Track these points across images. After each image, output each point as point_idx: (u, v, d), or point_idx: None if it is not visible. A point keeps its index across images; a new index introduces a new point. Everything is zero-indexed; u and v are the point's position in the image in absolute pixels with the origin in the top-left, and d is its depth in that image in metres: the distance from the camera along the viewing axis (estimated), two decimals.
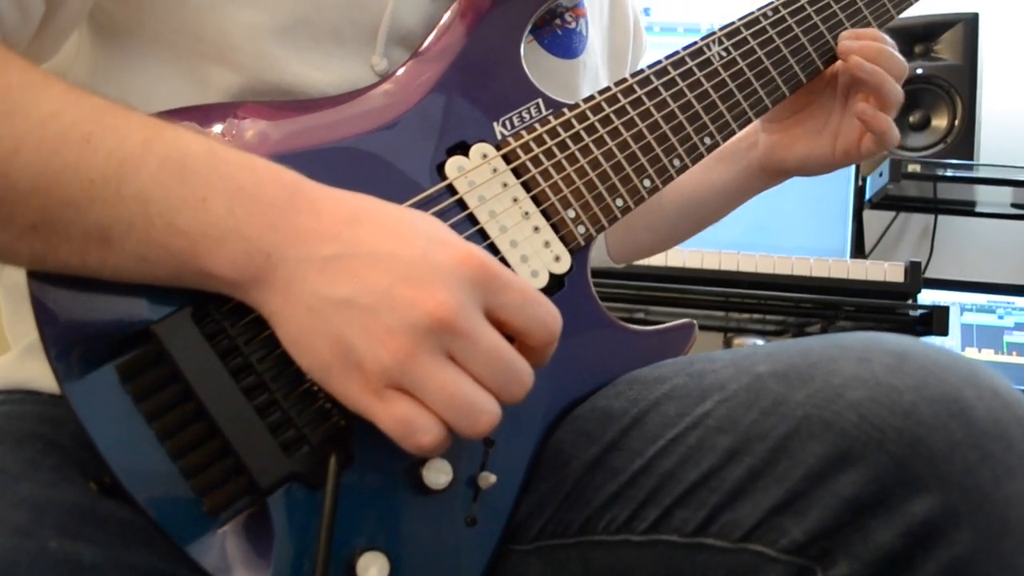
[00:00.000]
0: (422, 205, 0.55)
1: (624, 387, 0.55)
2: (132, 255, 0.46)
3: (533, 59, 0.65)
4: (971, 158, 1.62)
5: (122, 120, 0.46)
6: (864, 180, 1.68)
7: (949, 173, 1.58)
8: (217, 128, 0.53)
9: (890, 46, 0.72)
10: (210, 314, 0.49)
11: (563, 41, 0.70)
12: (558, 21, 0.70)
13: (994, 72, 1.75)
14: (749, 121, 0.68)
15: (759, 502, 0.44)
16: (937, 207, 1.76)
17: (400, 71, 0.60)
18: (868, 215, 1.74)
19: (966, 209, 1.77)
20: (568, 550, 0.52)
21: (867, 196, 1.68)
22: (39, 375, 0.57)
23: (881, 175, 1.58)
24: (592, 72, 0.73)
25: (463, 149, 0.58)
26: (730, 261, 1.32)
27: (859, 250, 1.69)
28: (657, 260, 1.32)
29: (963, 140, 1.62)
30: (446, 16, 0.62)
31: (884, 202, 1.70)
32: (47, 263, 0.47)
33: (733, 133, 0.67)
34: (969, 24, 1.66)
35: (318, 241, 0.45)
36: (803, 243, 1.61)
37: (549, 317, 0.47)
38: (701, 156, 0.65)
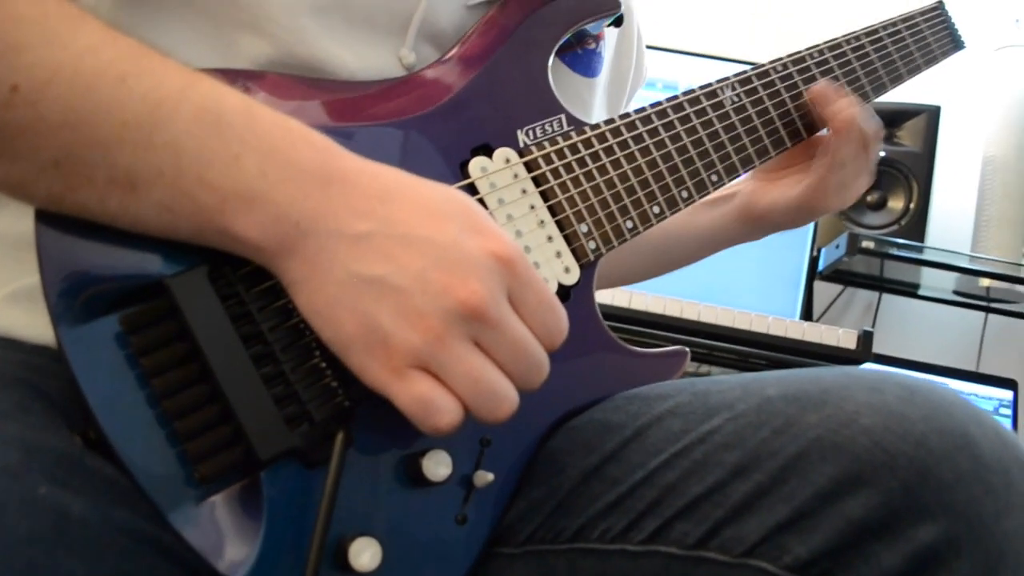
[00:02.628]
0: None
1: (623, 402, 0.56)
2: (156, 204, 0.45)
3: (555, 74, 0.66)
4: (922, 240, 1.69)
5: (159, 64, 0.46)
6: (819, 251, 1.74)
7: (899, 253, 1.65)
8: (249, 91, 0.53)
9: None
10: (225, 276, 0.48)
11: (584, 60, 0.71)
12: (580, 43, 0.72)
13: (948, 163, 1.84)
14: (752, 164, 0.70)
15: (764, 519, 0.45)
16: (883, 285, 1.83)
17: (431, 67, 0.60)
18: (818, 285, 1.80)
19: (910, 290, 1.84)
20: (557, 556, 0.51)
21: (820, 267, 1.74)
22: (22, 324, 0.54)
23: (837, 247, 1.64)
24: (603, 92, 0.75)
25: (487, 151, 0.58)
26: (691, 311, 1.35)
27: (807, 317, 1.74)
28: (621, 302, 1.33)
29: (916, 223, 1.69)
30: (480, 23, 0.63)
31: (834, 275, 1.76)
32: (64, 204, 0.45)
33: (737, 174, 0.69)
34: (931, 115, 1.75)
35: (350, 216, 0.45)
36: (755, 304, 1.65)
37: (556, 327, 0.48)
38: (707, 192, 0.67)
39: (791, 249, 1.73)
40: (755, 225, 0.82)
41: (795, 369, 0.52)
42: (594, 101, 0.72)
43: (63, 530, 0.40)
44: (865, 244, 1.60)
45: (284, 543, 0.47)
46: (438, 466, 0.50)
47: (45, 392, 0.48)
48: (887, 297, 1.87)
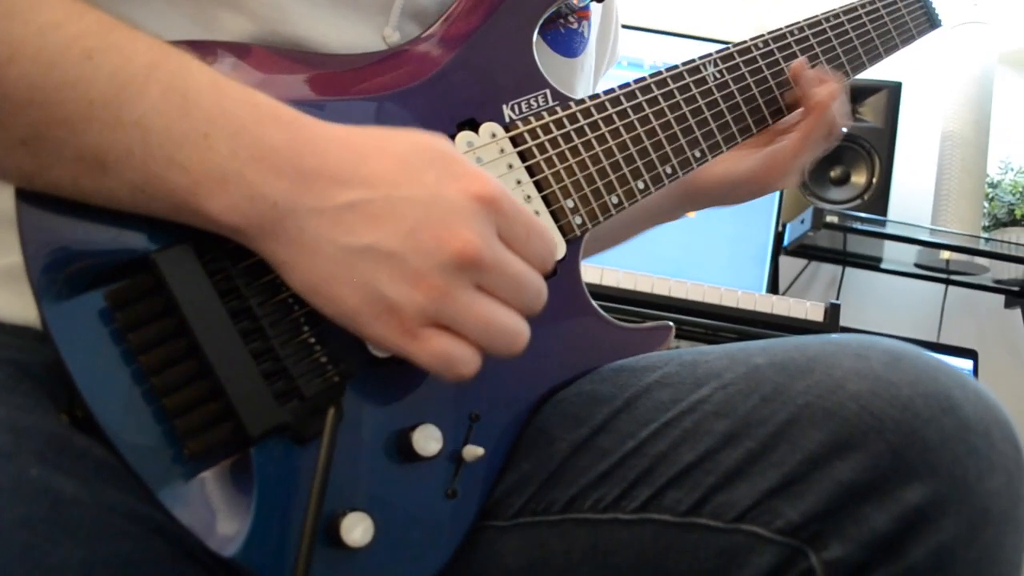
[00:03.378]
0: None
1: (610, 374, 0.56)
2: (128, 184, 0.44)
3: (536, 54, 0.66)
4: (884, 215, 1.72)
5: (127, 39, 0.44)
6: (784, 227, 1.76)
7: (862, 227, 1.68)
8: (223, 65, 0.52)
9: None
10: (212, 251, 0.47)
11: (565, 39, 0.71)
12: (562, 20, 0.72)
13: (909, 138, 1.87)
14: (735, 142, 0.71)
15: (756, 484, 0.46)
16: (846, 259, 1.86)
17: (416, 42, 0.60)
18: (783, 260, 1.83)
19: (872, 264, 1.88)
20: (550, 527, 0.52)
21: (785, 242, 1.76)
22: (1, 304, 0.53)
23: (803, 222, 1.66)
24: (587, 74, 0.75)
25: (472, 126, 0.58)
26: (662, 286, 1.36)
27: (773, 291, 1.76)
28: (592, 278, 1.34)
29: (878, 198, 1.72)
30: (462, 1, 0.63)
31: (799, 249, 1.79)
32: (35, 182, 0.44)
33: (720, 151, 0.69)
34: (893, 91, 1.77)
35: (327, 188, 0.44)
36: (723, 279, 1.67)
37: (548, 251, 0.48)
38: (691, 168, 0.67)
39: (757, 225, 1.75)
40: (691, 199, 0.81)
41: (780, 338, 0.53)
42: (575, 82, 0.72)
43: (57, 512, 0.40)
44: (829, 219, 1.63)
45: (275, 519, 0.46)
46: (428, 441, 0.50)
47: (30, 371, 0.47)
48: (850, 270, 1.90)
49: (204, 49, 0.52)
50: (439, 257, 0.43)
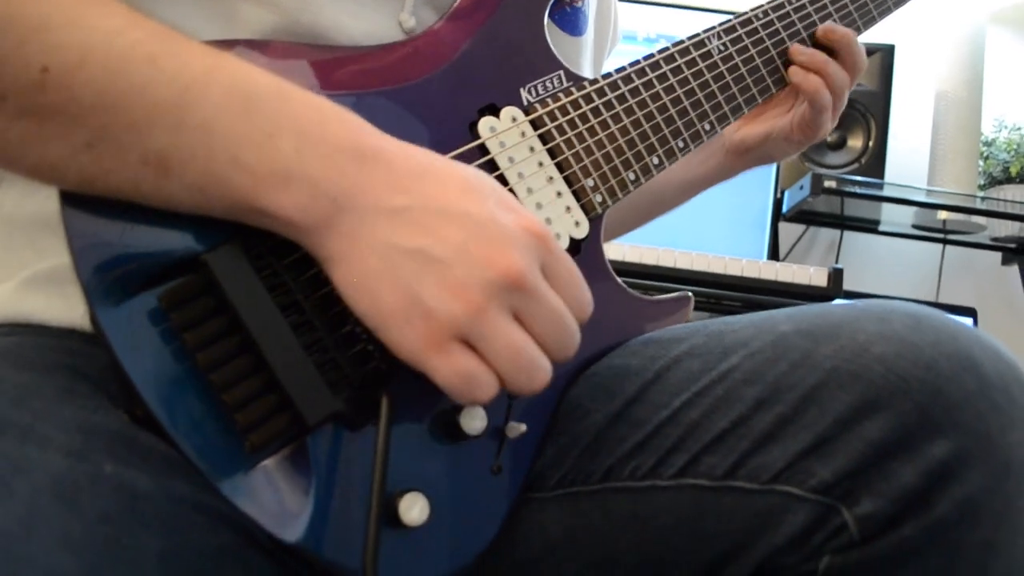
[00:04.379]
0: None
1: (639, 347, 0.58)
2: (189, 186, 0.45)
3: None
4: (881, 177, 1.74)
5: (183, 45, 0.46)
6: (783, 193, 1.78)
7: (860, 191, 1.70)
8: (256, 62, 0.53)
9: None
10: (257, 248, 0.48)
11: (571, 18, 0.73)
12: (567, 0, 0.73)
13: (903, 100, 1.88)
14: (742, 111, 0.72)
15: (788, 447, 0.48)
16: (844, 223, 1.88)
17: (433, 30, 0.61)
18: (782, 226, 1.85)
19: (870, 227, 1.90)
20: (590, 496, 0.54)
21: (784, 208, 1.78)
22: (44, 308, 0.54)
23: (801, 188, 1.68)
24: (590, 51, 0.77)
25: (493, 111, 0.60)
26: (668, 258, 1.38)
27: (774, 257, 1.78)
28: None
29: (875, 161, 1.74)
30: None
31: (798, 215, 1.81)
32: (96, 186, 0.45)
33: (728, 122, 0.71)
34: (886, 54, 1.79)
35: (387, 191, 0.45)
36: (724, 247, 1.69)
37: (586, 299, 0.49)
38: (701, 140, 0.69)
39: (756, 192, 1.77)
40: (745, 158, 0.85)
41: (802, 306, 0.55)
42: (581, 60, 0.74)
43: (133, 507, 0.41)
44: (828, 184, 1.65)
45: (333, 503, 0.48)
46: (473, 420, 0.52)
47: (85, 373, 0.49)
48: (848, 234, 1.92)
49: (226, 48, 0.53)
50: (486, 273, 0.44)
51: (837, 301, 1.42)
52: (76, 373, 0.49)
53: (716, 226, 1.73)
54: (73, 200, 0.46)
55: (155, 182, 0.45)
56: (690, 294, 0.67)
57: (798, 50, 0.75)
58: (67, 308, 0.53)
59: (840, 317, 0.50)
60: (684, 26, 1.75)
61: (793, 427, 0.48)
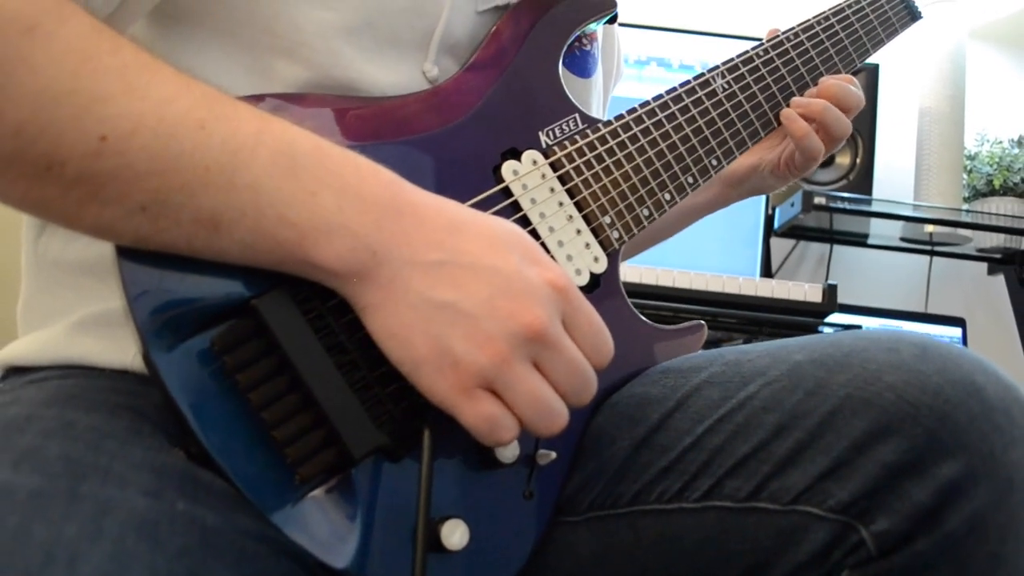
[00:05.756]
0: (482, 205, 0.60)
1: (658, 376, 0.62)
2: (239, 242, 0.47)
3: None
4: (869, 193, 1.79)
5: (231, 109, 0.48)
6: (774, 210, 1.83)
7: (849, 206, 1.74)
8: (290, 116, 0.56)
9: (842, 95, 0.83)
10: (303, 293, 0.51)
11: (581, 61, 0.76)
12: (577, 43, 0.77)
13: (888, 117, 1.93)
14: (746, 146, 0.76)
15: (807, 470, 0.51)
16: (833, 237, 1.92)
17: (455, 78, 0.64)
18: (772, 242, 1.89)
19: (859, 240, 1.95)
20: (618, 519, 0.57)
21: (776, 224, 1.83)
22: (97, 350, 0.57)
23: (792, 205, 1.72)
24: (598, 91, 0.80)
25: (515, 154, 0.63)
26: (667, 277, 1.42)
27: (767, 272, 1.83)
28: None
29: (863, 177, 1.79)
30: (493, 32, 0.67)
31: (789, 231, 1.85)
32: (150, 243, 0.48)
33: (734, 156, 0.75)
34: (871, 74, 1.84)
35: (422, 246, 0.49)
36: (718, 264, 1.74)
37: (605, 347, 0.53)
38: (709, 175, 0.73)
39: (748, 209, 1.81)
40: (735, 189, 0.90)
41: (814, 335, 0.58)
42: (591, 100, 0.77)
43: (205, 541, 0.44)
44: (818, 201, 1.69)
45: (379, 530, 0.51)
46: (507, 449, 0.55)
47: (144, 413, 0.51)
48: (838, 247, 1.97)
49: (257, 101, 0.55)
50: (510, 326, 0.47)
51: (832, 316, 1.46)
52: (137, 413, 0.51)
53: (710, 242, 1.77)
54: (127, 250, 0.49)
55: (207, 239, 0.47)
56: (703, 323, 0.70)
57: (797, 102, 0.79)
58: (118, 350, 0.56)
59: (851, 347, 0.53)
60: (714, 53, 1.81)
61: (811, 451, 0.51)
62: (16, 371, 0.60)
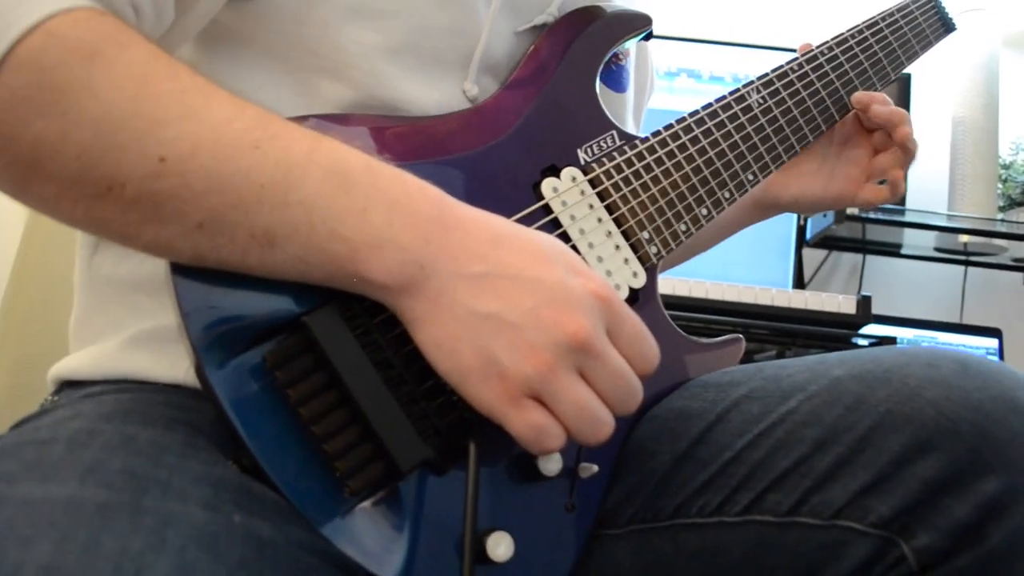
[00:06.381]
0: (523, 221, 0.61)
1: (698, 390, 0.62)
2: (292, 257, 0.49)
3: None
4: (902, 204, 1.78)
5: (284, 129, 0.50)
6: (806, 220, 1.82)
7: (882, 216, 1.74)
8: (337, 136, 0.58)
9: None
10: (352, 309, 0.53)
11: (616, 76, 0.77)
12: (612, 59, 0.78)
13: (921, 127, 1.92)
14: (782, 161, 0.77)
15: (848, 485, 0.52)
16: (865, 247, 1.91)
17: (495, 97, 0.66)
18: (804, 252, 1.88)
19: (892, 251, 1.93)
20: (659, 532, 0.58)
21: (808, 235, 1.82)
22: (151, 366, 0.58)
23: (825, 216, 1.72)
24: (631, 106, 0.81)
25: (554, 171, 0.64)
26: (699, 289, 1.42)
27: (799, 283, 1.82)
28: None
29: None
30: (531, 51, 0.69)
31: (821, 241, 1.85)
32: (207, 260, 0.50)
33: (770, 171, 0.75)
34: (903, 83, 1.83)
35: (467, 258, 0.50)
36: (749, 275, 1.73)
37: (652, 353, 0.53)
38: (746, 190, 0.73)
39: (779, 221, 1.78)
40: (773, 212, 0.92)
41: (853, 350, 0.59)
42: (626, 114, 0.78)
43: (262, 553, 0.45)
44: (850, 211, 1.69)
45: (426, 542, 0.52)
46: (550, 462, 0.56)
47: (199, 427, 0.53)
48: (871, 257, 1.96)
49: (302, 121, 0.56)
50: (555, 335, 0.48)
51: (866, 328, 1.45)
52: (192, 427, 0.53)
53: (742, 253, 1.77)
54: (181, 267, 0.51)
55: (261, 255, 0.49)
56: (742, 336, 0.71)
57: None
58: (171, 365, 0.58)
59: (891, 363, 0.54)
60: (744, 64, 1.82)
61: (852, 466, 0.52)
62: (71, 384, 0.62)
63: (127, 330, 0.61)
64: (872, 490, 0.51)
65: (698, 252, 1.01)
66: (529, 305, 0.49)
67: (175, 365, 0.57)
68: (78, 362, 0.62)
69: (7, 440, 0.50)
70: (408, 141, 0.61)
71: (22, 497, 0.42)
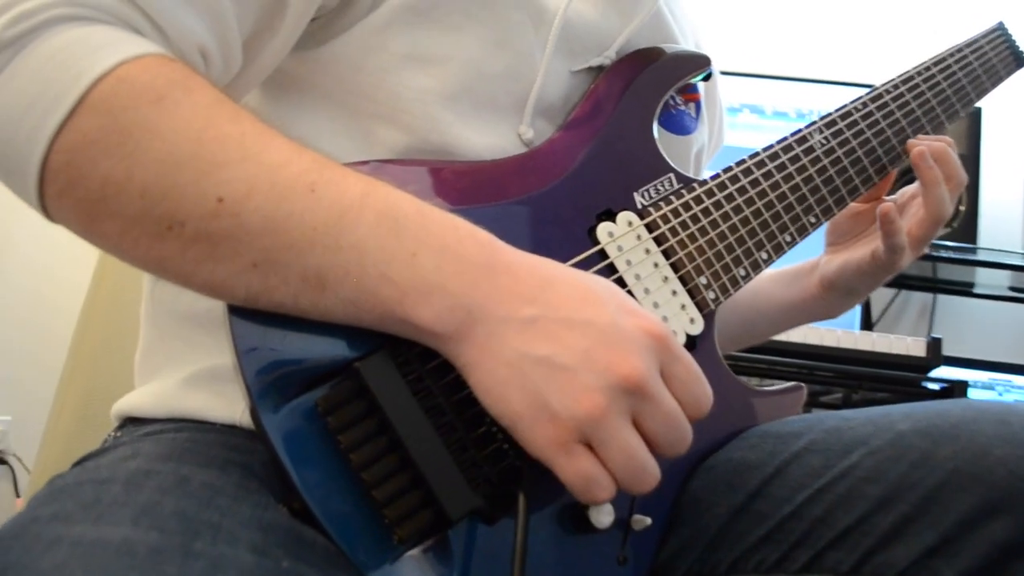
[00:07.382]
0: (578, 267, 0.60)
1: (756, 440, 0.61)
2: (343, 300, 0.49)
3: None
4: (974, 242, 1.72)
5: (339, 174, 0.51)
6: None
7: (953, 255, 1.68)
8: (391, 180, 0.58)
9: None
10: (404, 355, 0.53)
11: (676, 119, 0.77)
12: (671, 103, 0.77)
13: (994, 163, 1.87)
14: (845, 203, 0.75)
15: (912, 545, 0.49)
16: (936, 286, 1.86)
17: (550, 140, 0.65)
18: (873, 292, 1.83)
19: (965, 290, 1.87)
20: None
21: None
22: (208, 406, 0.59)
23: None
24: (696, 150, 0.80)
25: (609, 216, 0.64)
26: None
27: (867, 323, 1.77)
28: None
29: (968, 224, 1.73)
30: (589, 92, 0.69)
31: (890, 280, 1.79)
32: (260, 301, 0.50)
33: (832, 213, 0.74)
34: (974, 117, 1.78)
35: (517, 303, 0.50)
36: None
37: (704, 396, 0.52)
38: (807, 234, 0.72)
39: None
40: (834, 293, 0.87)
41: (917, 403, 0.56)
42: (688, 157, 0.77)
43: None
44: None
45: None
46: (601, 514, 0.54)
47: (252, 469, 0.53)
48: (941, 297, 1.90)
49: (359, 167, 0.57)
50: (608, 377, 0.47)
51: (936, 370, 1.40)
52: (245, 469, 0.53)
53: None
54: (238, 309, 0.52)
55: (313, 297, 0.50)
56: (803, 385, 0.69)
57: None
58: (227, 406, 0.58)
59: (958, 418, 0.52)
60: (808, 99, 1.80)
61: (916, 526, 0.50)
62: (133, 421, 0.63)
63: (186, 368, 0.62)
64: (938, 552, 0.49)
65: (759, 339, 0.95)
66: (581, 347, 0.48)
67: (232, 406, 0.58)
68: (140, 399, 0.63)
69: (68, 479, 0.51)
70: (463, 185, 0.61)
71: (76, 538, 0.43)
